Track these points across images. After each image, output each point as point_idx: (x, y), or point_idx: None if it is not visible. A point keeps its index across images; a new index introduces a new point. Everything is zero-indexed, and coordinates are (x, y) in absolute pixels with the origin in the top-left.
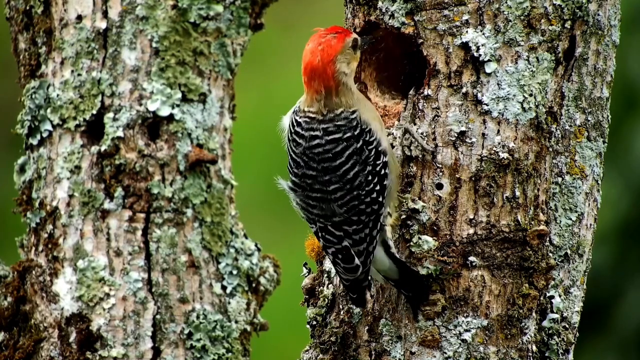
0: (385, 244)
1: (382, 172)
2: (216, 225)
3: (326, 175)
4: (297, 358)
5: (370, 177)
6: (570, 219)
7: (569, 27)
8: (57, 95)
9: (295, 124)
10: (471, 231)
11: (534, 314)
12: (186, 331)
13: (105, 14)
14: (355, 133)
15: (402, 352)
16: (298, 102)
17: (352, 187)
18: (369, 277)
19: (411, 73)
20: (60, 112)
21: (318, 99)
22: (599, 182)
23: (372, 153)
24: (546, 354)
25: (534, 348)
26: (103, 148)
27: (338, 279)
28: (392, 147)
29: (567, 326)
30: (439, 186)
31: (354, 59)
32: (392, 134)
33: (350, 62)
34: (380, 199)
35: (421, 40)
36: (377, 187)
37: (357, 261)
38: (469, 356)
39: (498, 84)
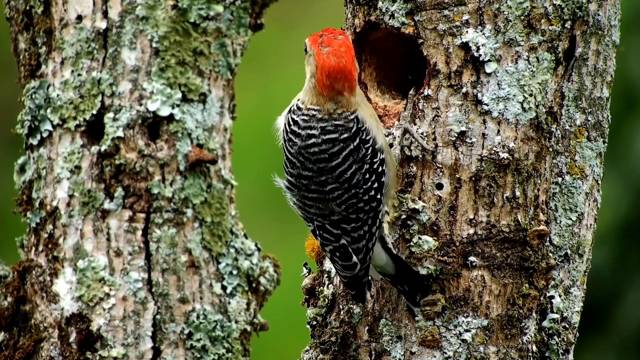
0: (382, 240)
1: (380, 169)
2: (216, 225)
3: (322, 175)
4: (297, 358)
5: (367, 175)
6: (571, 219)
7: (569, 27)
8: (57, 95)
9: (291, 122)
10: (471, 231)
11: (534, 314)
12: (186, 331)
13: (105, 14)
14: (352, 133)
15: (402, 352)
16: (295, 101)
17: (349, 186)
18: (369, 274)
19: (411, 73)
20: (60, 112)
21: (339, 99)
22: (599, 182)
23: (369, 151)
24: (546, 354)
25: (534, 348)
26: (103, 148)
27: (337, 280)
28: (391, 146)
29: (567, 326)
30: (439, 186)
31: None
32: (392, 134)
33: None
34: (379, 196)
35: (421, 40)
36: (375, 185)
37: (355, 259)
38: (469, 356)
39: (498, 84)
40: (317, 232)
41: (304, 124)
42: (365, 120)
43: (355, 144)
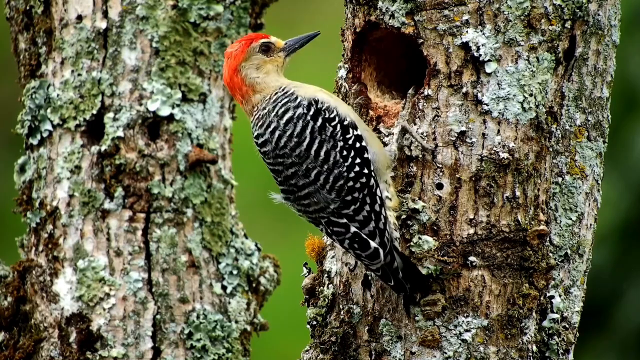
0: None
1: (357, 145)
2: (216, 225)
3: (303, 163)
4: (297, 358)
5: (345, 152)
6: (571, 219)
7: (569, 27)
8: (57, 95)
9: (255, 137)
10: (471, 231)
11: (534, 314)
12: (186, 331)
13: (105, 14)
14: (308, 112)
15: (402, 352)
16: None
17: (329, 167)
18: (396, 261)
19: (411, 73)
20: (60, 112)
21: (245, 103)
22: (599, 182)
23: (338, 129)
24: (546, 354)
25: (534, 348)
26: (103, 148)
27: (337, 280)
28: (385, 144)
29: (567, 326)
30: (439, 186)
31: (267, 62)
32: (392, 133)
33: (262, 65)
34: (366, 170)
35: (421, 40)
36: (358, 160)
37: (373, 244)
38: (469, 356)
39: (498, 84)
40: (328, 230)
41: (261, 126)
42: (316, 95)
43: (318, 123)
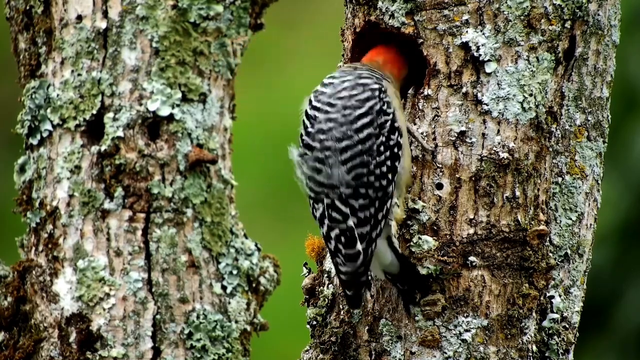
0: (389, 239)
1: (395, 150)
2: (216, 225)
3: (342, 126)
4: (297, 358)
5: (382, 148)
6: (571, 219)
7: (569, 27)
8: (57, 95)
9: (328, 76)
10: (471, 231)
11: (534, 314)
12: (186, 331)
13: (105, 14)
14: (378, 95)
15: (402, 352)
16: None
17: (362, 150)
18: (369, 274)
19: (411, 73)
20: (60, 112)
21: (378, 63)
22: (599, 182)
23: (388, 124)
24: (546, 354)
25: (534, 348)
26: (103, 148)
27: (337, 280)
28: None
29: (567, 326)
30: (439, 186)
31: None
32: None
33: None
34: (390, 176)
35: (421, 40)
36: (388, 163)
37: (359, 246)
38: (469, 356)
39: (498, 84)
40: (326, 212)
41: (342, 73)
42: (390, 95)
43: (378, 107)
